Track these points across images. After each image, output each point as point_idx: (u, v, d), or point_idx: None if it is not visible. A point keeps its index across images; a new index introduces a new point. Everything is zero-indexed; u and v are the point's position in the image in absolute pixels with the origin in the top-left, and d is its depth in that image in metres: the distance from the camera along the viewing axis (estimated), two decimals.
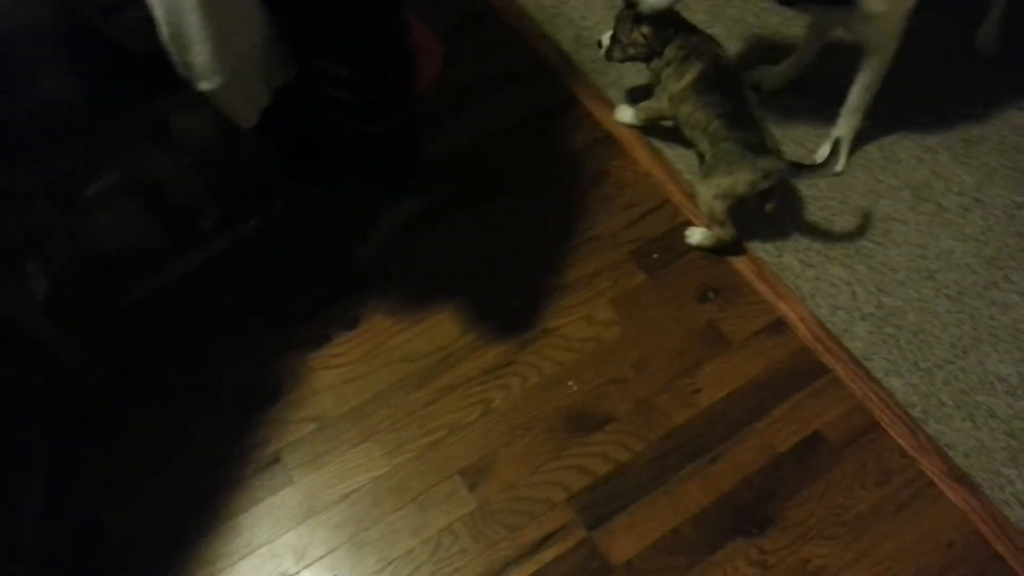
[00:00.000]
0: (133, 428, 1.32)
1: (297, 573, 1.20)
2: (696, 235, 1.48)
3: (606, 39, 1.56)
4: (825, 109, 1.58)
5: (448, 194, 1.55)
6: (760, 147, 1.37)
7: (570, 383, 1.34)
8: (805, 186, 1.55)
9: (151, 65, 1.27)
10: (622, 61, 1.56)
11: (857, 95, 1.52)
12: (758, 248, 1.48)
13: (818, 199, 1.54)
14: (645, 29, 1.48)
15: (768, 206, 1.46)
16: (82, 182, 1.52)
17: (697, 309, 1.41)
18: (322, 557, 1.21)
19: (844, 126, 1.56)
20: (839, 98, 1.54)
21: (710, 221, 1.44)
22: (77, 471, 1.28)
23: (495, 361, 1.37)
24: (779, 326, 1.39)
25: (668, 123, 1.57)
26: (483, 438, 1.30)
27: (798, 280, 1.44)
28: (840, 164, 1.57)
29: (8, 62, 1.26)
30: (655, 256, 1.47)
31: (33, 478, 1.28)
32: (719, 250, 1.47)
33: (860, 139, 1.59)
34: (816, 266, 1.46)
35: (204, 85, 1.09)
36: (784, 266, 1.46)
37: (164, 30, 1.03)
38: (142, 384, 1.36)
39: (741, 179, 1.37)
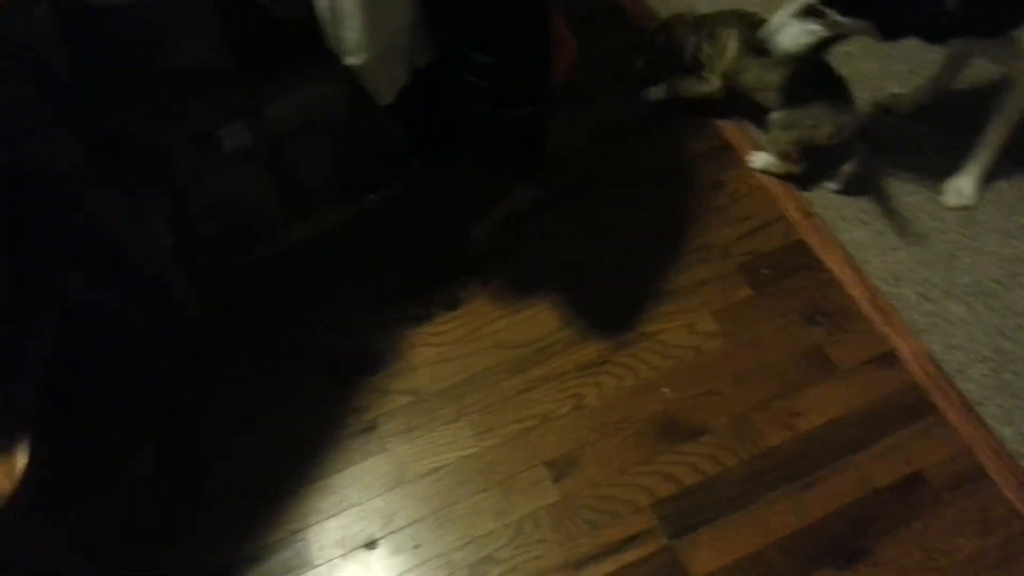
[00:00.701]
0: (242, 380, 1.39)
1: (382, 538, 1.24)
2: (760, 159, 1.54)
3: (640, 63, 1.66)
4: (959, 140, 1.51)
5: (561, 186, 1.56)
6: (843, 101, 1.42)
7: (665, 390, 1.34)
8: (930, 216, 1.49)
9: (294, 35, 1.32)
10: (650, 80, 1.65)
11: (995, 128, 1.45)
12: (874, 276, 1.43)
13: (944, 232, 1.48)
14: (660, 40, 1.59)
15: (846, 167, 1.49)
16: (215, 142, 1.60)
17: (804, 331, 1.38)
18: (407, 526, 1.25)
19: (978, 159, 1.49)
20: (974, 129, 1.47)
21: (782, 158, 1.50)
22: (189, 414, 1.36)
23: (591, 358, 1.38)
24: (889, 358, 1.34)
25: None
26: (572, 432, 1.31)
27: (914, 313, 1.39)
28: (970, 198, 1.50)
29: (159, 21, 1.33)
30: (764, 272, 1.45)
31: (147, 419, 1.37)
32: (785, 177, 1.54)
33: (993, 175, 1.51)
34: (934, 301, 1.41)
35: (351, 60, 1.13)
36: (900, 297, 1.41)
37: (323, 3, 1.07)
38: (255, 339, 1.42)
39: (823, 131, 1.42)
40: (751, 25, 1.48)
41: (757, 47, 1.40)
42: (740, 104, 1.58)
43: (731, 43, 1.51)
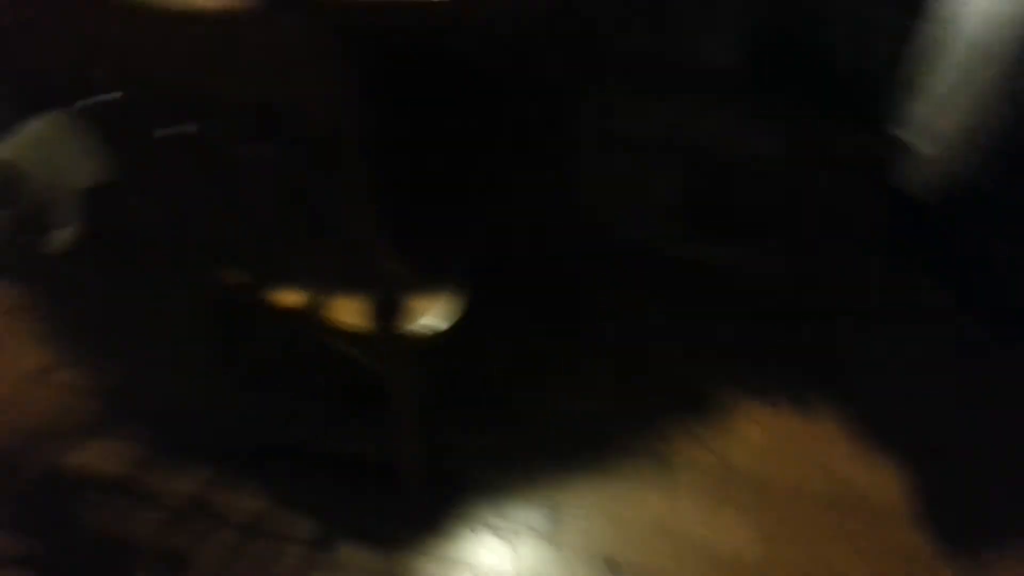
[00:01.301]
0: (586, 344, 1.44)
1: (623, 565, 1.16)
2: None
3: None
4: None
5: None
6: None
7: None
8: None
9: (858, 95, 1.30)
10: None
11: None
12: None
13: None
14: None
15: None
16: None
17: None
18: (649, 573, 1.17)
19: None
20: None
21: None
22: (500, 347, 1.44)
23: (921, 551, 1.19)
24: None
25: None
26: None
27: None
28: None
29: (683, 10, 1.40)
30: None
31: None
32: None
33: None
34: None
35: (924, 148, 1.07)
36: None
37: (931, 80, 1.03)
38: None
39: None
40: None
41: None
42: None
43: None
